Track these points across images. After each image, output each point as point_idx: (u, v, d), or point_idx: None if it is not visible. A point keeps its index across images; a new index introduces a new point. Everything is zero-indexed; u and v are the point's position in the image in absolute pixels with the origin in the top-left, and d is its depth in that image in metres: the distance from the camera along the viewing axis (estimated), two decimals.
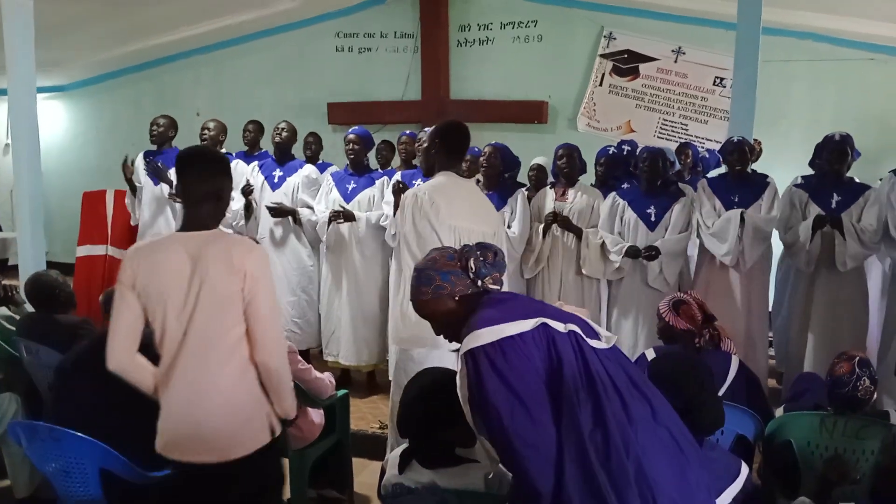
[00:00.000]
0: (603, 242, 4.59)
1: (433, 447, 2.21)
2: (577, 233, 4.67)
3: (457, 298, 2.01)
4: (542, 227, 4.69)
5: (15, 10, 5.56)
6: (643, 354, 3.24)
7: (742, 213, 4.36)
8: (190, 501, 2.32)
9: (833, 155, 4.37)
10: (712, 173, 5.68)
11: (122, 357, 2.25)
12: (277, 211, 5.21)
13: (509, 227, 4.64)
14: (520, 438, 1.76)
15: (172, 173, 5.50)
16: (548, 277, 4.72)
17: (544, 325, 1.88)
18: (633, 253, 4.50)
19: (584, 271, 4.65)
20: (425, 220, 2.93)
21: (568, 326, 1.92)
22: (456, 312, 2.00)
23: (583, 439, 1.76)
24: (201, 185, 2.29)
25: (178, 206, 5.48)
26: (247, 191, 5.35)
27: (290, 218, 5.27)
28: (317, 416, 3.38)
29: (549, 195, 4.84)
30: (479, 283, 2.02)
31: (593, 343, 1.93)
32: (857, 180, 4.55)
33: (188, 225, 2.31)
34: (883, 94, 6.48)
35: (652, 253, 4.44)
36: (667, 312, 3.24)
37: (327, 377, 3.48)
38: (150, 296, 2.22)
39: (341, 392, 3.65)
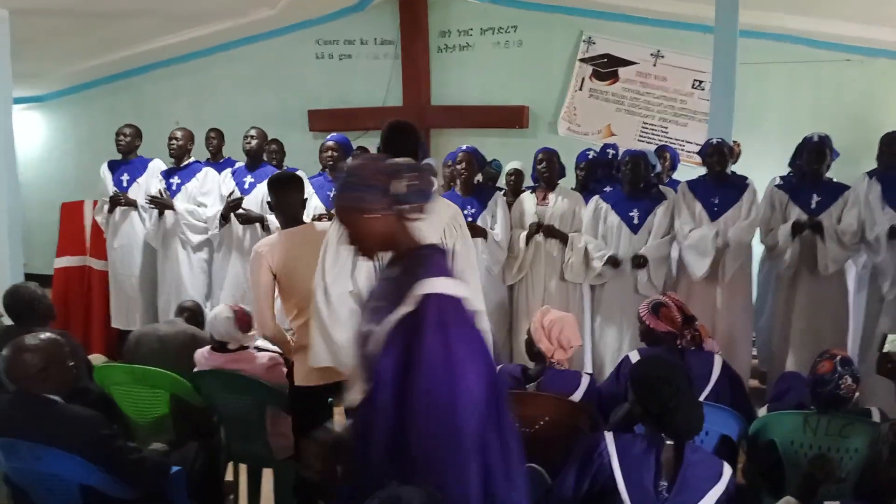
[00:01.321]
0: (587, 248, 4.60)
1: None
2: (563, 238, 4.67)
3: (373, 216, 1.82)
4: (524, 234, 4.69)
5: None
6: (627, 357, 3.24)
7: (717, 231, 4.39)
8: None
9: (812, 155, 4.41)
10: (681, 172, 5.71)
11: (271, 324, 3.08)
12: (246, 218, 5.19)
13: (492, 229, 4.65)
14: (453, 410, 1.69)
15: (156, 184, 5.50)
16: (531, 284, 4.73)
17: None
18: (613, 262, 4.52)
19: (566, 277, 4.66)
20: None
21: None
22: (373, 233, 1.85)
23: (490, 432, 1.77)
24: (298, 196, 3.26)
25: (154, 214, 5.48)
26: (234, 205, 5.31)
27: (258, 225, 5.24)
28: None
29: (530, 200, 4.85)
30: (399, 209, 1.82)
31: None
32: (836, 180, 4.59)
33: (292, 224, 3.17)
34: (859, 94, 6.54)
35: (640, 261, 4.44)
36: (647, 316, 3.25)
37: None
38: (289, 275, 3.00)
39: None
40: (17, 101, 8.16)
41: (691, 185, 4.63)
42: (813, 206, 4.41)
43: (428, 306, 1.73)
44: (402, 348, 1.74)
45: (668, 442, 2.20)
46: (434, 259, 1.84)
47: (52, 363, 2.59)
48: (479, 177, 5.12)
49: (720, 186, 4.54)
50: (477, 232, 4.44)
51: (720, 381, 3.12)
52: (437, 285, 1.76)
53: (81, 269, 6.05)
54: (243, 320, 3.46)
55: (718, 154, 4.52)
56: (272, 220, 5.18)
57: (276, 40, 8.06)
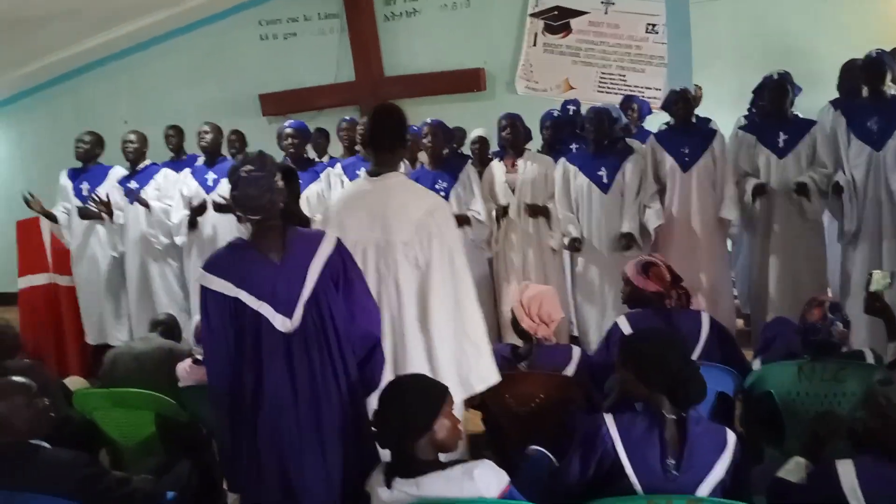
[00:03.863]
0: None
1: (414, 455, 2.13)
2: (545, 213, 4.61)
3: None
4: (494, 211, 4.62)
5: None
6: (616, 325, 3.19)
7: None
8: None
9: (774, 94, 4.39)
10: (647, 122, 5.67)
11: None
12: (222, 207, 5.02)
13: (468, 206, 4.57)
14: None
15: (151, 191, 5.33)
16: (508, 256, 4.67)
17: None
18: (573, 247, 4.50)
19: (554, 247, 4.62)
20: None
21: None
22: None
23: None
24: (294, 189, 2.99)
25: (108, 223, 5.31)
26: (200, 210, 5.15)
27: (233, 219, 5.09)
28: None
29: (499, 168, 4.76)
30: None
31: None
32: (801, 116, 4.56)
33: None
34: (806, 24, 6.48)
35: (627, 242, 4.41)
36: (636, 276, 3.20)
37: None
38: None
39: None
40: None
41: (658, 137, 4.59)
42: (780, 144, 4.39)
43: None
44: None
45: (670, 416, 2.17)
46: None
47: (17, 411, 2.47)
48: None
49: (688, 135, 4.50)
50: (461, 221, 4.31)
51: (709, 338, 3.10)
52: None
53: (47, 287, 5.83)
54: None
55: (683, 101, 4.48)
56: None
57: (216, 25, 7.80)
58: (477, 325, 2.79)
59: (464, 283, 2.77)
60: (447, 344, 2.72)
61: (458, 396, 2.65)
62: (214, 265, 2.36)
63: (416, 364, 2.68)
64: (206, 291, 2.35)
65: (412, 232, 2.69)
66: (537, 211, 4.60)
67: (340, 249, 2.43)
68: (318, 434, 2.36)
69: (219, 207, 4.99)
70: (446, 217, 2.83)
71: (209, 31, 7.82)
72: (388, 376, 2.53)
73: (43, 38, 6.93)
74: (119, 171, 5.52)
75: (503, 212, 4.63)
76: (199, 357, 3.35)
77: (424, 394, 2.16)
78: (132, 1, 6.70)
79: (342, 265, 2.42)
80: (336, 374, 2.38)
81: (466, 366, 2.74)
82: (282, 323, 2.33)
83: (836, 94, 4.73)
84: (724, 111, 5.34)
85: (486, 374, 2.79)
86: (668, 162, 4.48)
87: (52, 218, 5.51)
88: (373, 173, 2.78)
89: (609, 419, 2.18)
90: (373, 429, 2.21)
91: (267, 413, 2.33)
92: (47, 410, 2.59)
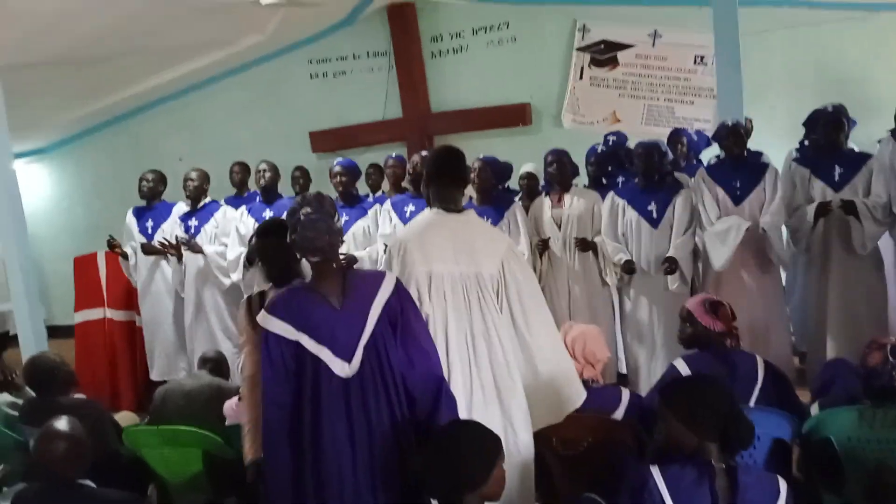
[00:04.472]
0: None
1: None
2: (593, 248, 4.57)
3: None
4: (535, 243, 4.60)
5: None
6: (673, 367, 3.09)
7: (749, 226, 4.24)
8: None
9: (829, 128, 4.28)
10: (704, 154, 5.59)
11: None
12: None
13: None
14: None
15: (210, 228, 5.46)
16: (555, 291, 4.62)
17: None
18: (628, 269, 4.42)
19: (609, 282, 4.58)
20: (403, 269, 2.76)
21: None
22: None
23: None
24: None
25: (173, 260, 5.42)
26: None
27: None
28: None
29: (546, 204, 4.73)
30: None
31: None
32: (857, 149, 4.44)
33: (278, 275, 2.83)
34: (862, 52, 6.35)
35: (671, 267, 4.31)
36: (703, 314, 3.09)
37: None
38: None
39: None
40: (21, 154, 8.21)
41: (710, 170, 4.50)
42: (836, 178, 4.27)
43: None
44: None
45: (719, 465, 2.09)
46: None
47: (80, 446, 2.54)
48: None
49: (739, 168, 4.40)
50: None
51: (766, 380, 2.99)
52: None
53: (101, 322, 6.00)
54: None
55: (735, 136, 4.38)
56: None
57: (269, 65, 8.00)
58: (562, 347, 2.95)
59: (545, 309, 2.92)
60: (548, 367, 2.83)
61: (550, 420, 2.81)
62: (276, 307, 2.41)
63: (512, 392, 2.75)
64: (268, 332, 2.39)
65: (499, 265, 2.80)
66: (587, 245, 4.55)
67: (399, 291, 2.47)
68: (372, 480, 2.37)
69: None
70: (517, 251, 3.01)
71: (262, 70, 8.02)
72: (481, 409, 2.62)
73: (106, 78, 7.17)
74: (182, 208, 5.66)
75: (544, 245, 4.58)
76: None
77: (481, 448, 2.14)
78: (190, 42, 6.89)
79: (400, 307, 2.46)
80: (393, 420, 2.40)
81: (562, 388, 2.85)
82: (341, 368, 2.36)
83: (892, 125, 4.59)
84: (777, 143, 5.23)
85: (577, 397, 2.88)
86: (720, 195, 4.38)
87: (126, 257, 5.65)
88: (448, 209, 2.85)
89: (656, 471, 2.10)
90: (419, 474, 2.18)
91: (324, 456, 2.35)
92: (92, 451, 2.64)
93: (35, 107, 7.07)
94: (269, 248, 2.88)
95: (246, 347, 2.84)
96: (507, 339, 2.78)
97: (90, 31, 5.56)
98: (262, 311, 2.42)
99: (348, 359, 2.36)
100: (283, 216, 2.56)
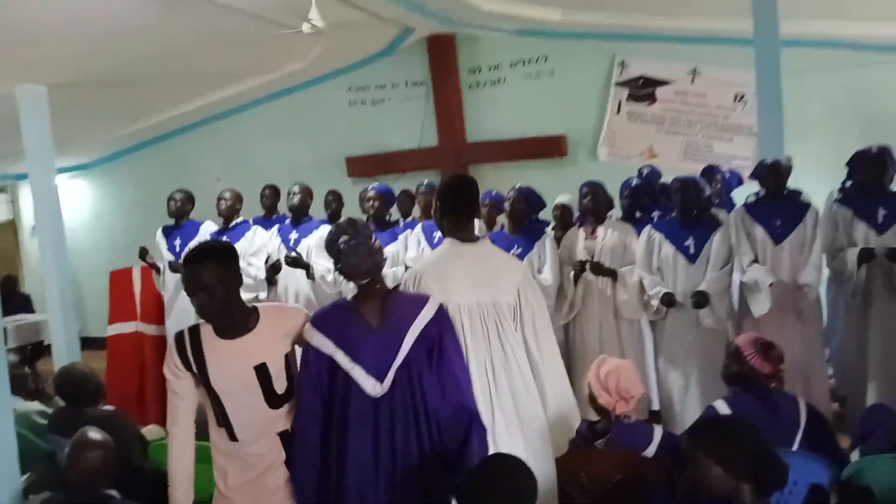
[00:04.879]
0: (642, 283, 4.42)
1: None
2: (612, 275, 4.50)
3: None
4: (572, 273, 4.53)
5: (30, 97, 5.68)
6: (712, 408, 3.02)
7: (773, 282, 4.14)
8: None
9: (873, 169, 4.19)
10: (736, 193, 5.50)
11: None
12: (294, 260, 5.12)
13: (540, 271, 4.50)
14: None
15: (240, 247, 5.44)
16: (585, 322, 4.56)
17: None
18: (668, 301, 4.32)
19: (623, 315, 4.48)
20: None
21: None
22: None
23: None
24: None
25: None
26: (276, 269, 5.32)
27: (305, 272, 5.19)
28: None
29: (579, 235, 4.69)
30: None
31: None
32: None
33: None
34: None
35: (701, 300, 4.21)
36: (754, 355, 3.01)
37: None
38: None
39: None
40: (64, 169, 8.42)
41: (749, 208, 4.40)
42: (880, 220, 4.17)
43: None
44: None
45: None
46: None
47: (111, 456, 2.55)
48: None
49: (779, 207, 4.31)
50: None
51: (808, 424, 2.90)
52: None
53: (133, 336, 6.06)
54: None
55: (775, 175, 4.30)
56: (320, 268, 5.14)
57: (308, 91, 8.13)
58: (564, 376, 2.95)
59: (554, 339, 2.92)
60: (559, 391, 2.84)
61: (555, 452, 2.82)
62: (318, 321, 2.44)
63: (534, 420, 2.75)
64: (308, 344, 2.43)
65: (515, 294, 2.80)
66: (602, 270, 4.49)
67: (440, 318, 2.47)
68: (392, 501, 2.35)
69: (291, 262, 5.11)
70: (532, 279, 2.96)
71: (302, 96, 8.15)
72: (504, 438, 2.63)
73: (148, 100, 7.34)
74: (210, 227, 5.72)
75: (581, 268, 4.52)
76: None
77: (521, 489, 2.11)
78: (233, 68, 7.04)
79: (439, 334, 2.45)
80: (420, 444, 2.38)
81: (569, 419, 2.87)
82: (372, 387, 2.36)
83: None
84: (817, 184, 5.14)
85: (575, 421, 2.91)
86: (759, 234, 4.29)
87: (158, 270, 5.73)
88: (463, 239, 2.84)
89: None
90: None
91: (348, 474, 2.35)
92: (118, 462, 2.65)
93: (79, 124, 7.26)
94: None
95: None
96: (525, 366, 2.78)
97: (138, 54, 5.70)
98: (308, 324, 2.45)
99: (380, 378, 2.36)
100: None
